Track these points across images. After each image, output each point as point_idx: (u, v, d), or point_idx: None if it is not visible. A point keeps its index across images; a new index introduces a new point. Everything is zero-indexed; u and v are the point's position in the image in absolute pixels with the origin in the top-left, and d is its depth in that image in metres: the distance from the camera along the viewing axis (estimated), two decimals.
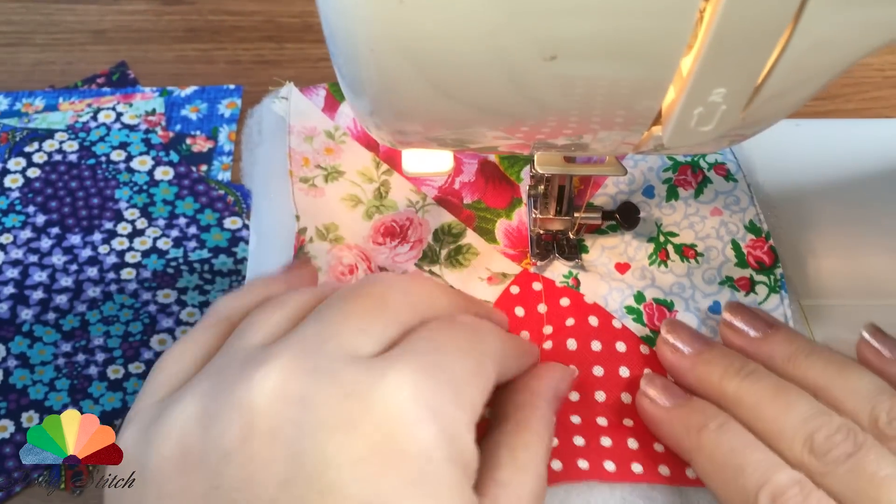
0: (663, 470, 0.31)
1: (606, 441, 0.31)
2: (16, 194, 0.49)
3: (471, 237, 0.37)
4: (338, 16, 0.20)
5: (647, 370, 0.33)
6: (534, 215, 0.36)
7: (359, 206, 0.38)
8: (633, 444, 0.31)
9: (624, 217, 0.36)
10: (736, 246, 0.36)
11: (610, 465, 0.30)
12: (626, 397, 0.33)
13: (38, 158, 0.50)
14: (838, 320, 0.36)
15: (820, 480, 0.27)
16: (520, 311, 0.35)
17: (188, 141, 0.52)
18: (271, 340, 0.26)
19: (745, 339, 0.33)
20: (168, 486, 0.24)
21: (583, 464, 0.30)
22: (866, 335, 0.32)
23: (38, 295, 0.45)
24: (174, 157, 0.51)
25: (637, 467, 0.30)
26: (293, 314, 0.28)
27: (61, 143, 0.51)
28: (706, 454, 0.29)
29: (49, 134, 0.52)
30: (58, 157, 0.51)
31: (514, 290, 0.36)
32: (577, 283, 0.36)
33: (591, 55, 0.20)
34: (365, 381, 0.24)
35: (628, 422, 0.32)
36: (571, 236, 0.36)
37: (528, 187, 0.37)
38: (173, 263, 0.47)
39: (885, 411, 0.28)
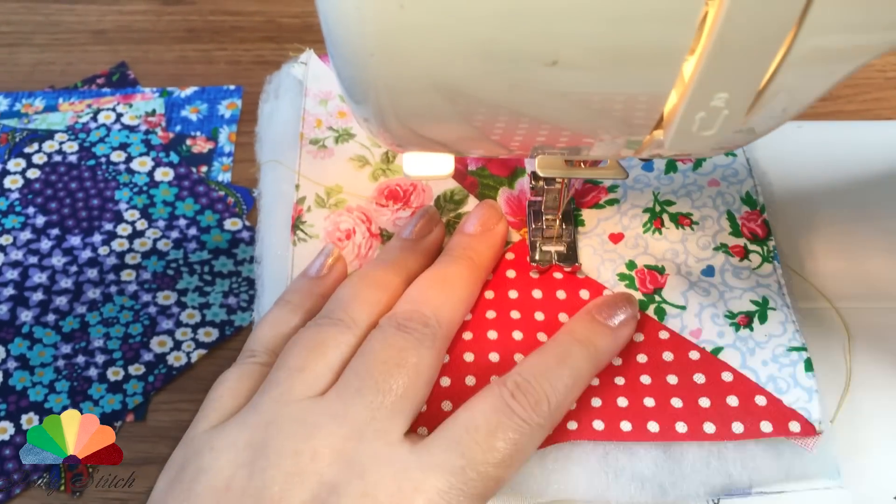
0: (652, 426, 0.32)
1: (596, 402, 0.33)
2: (15, 195, 0.49)
3: (472, 204, 0.39)
4: (338, 20, 0.20)
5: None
6: (533, 226, 0.37)
7: (366, 168, 0.40)
8: (622, 402, 0.32)
9: None
10: (731, 216, 0.38)
11: (598, 424, 0.32)
12: (615, 360, 0.34)
13: (38, 159, 0.50)
14: (839, 323, 0.36)
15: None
16: (511, 273, 0.36)
17: (188, 142, 0.52)
18: (316, 393, 0.30)
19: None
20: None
21: (572, 425, 0.32)
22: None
23: (37, 296, 0.45)
24: (174, 158, 0.51)
25: (626, 425, 0.32)
26: (335, 364, 0.31)
27: (61, 143, 0.51)
28: None
29: (49, 135, 0.51)
30: (58, 158, 0.50)
31: (510, 256, 0.37)
32: None
33: (592, 60, 0.20)
34: (412, 465, 0.28)
35: (620, 380, 0.33)
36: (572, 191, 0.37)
37: (528, 202, 0.38)
38: (173, 265, 0.47)
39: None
